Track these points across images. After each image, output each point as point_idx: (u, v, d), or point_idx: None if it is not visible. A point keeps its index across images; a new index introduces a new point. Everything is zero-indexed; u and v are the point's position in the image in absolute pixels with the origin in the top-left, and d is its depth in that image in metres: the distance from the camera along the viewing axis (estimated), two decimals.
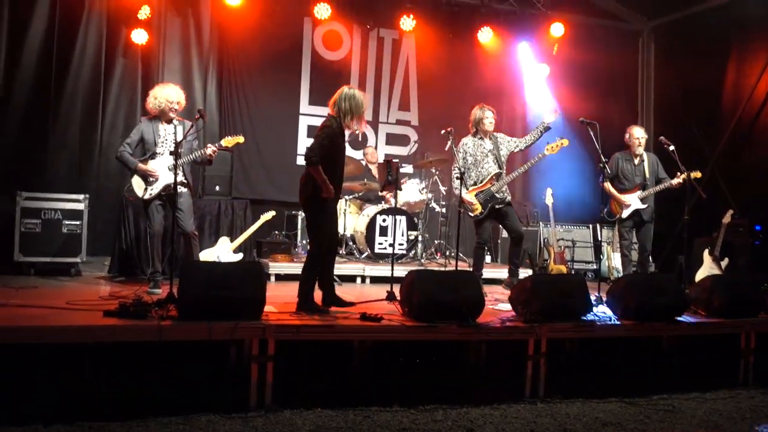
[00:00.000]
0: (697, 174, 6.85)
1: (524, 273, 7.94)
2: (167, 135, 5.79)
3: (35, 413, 3.65)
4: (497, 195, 6.56)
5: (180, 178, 5.65)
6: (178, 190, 5.61)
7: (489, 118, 6.64)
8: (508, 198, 6.67)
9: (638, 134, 7.24)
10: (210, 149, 5.72)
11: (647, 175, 7.19)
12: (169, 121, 5.81)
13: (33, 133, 7.97)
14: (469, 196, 6.50)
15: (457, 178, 6.35)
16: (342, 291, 6.59)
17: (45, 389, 3.79)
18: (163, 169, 5.74)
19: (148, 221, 5.82)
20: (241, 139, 5.95)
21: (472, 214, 6.58)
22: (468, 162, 6.63)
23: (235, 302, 4.16)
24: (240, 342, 4.16)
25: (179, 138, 5.65)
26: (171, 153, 5.39)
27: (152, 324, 3.94)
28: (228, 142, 5.89)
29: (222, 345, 4.19)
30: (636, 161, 7.25)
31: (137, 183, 5.78)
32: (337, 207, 8.21)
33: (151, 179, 5.72)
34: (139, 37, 8.36)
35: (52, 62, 8.08)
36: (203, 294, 4.12)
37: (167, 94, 5.74)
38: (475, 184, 6.60)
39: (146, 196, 5.73)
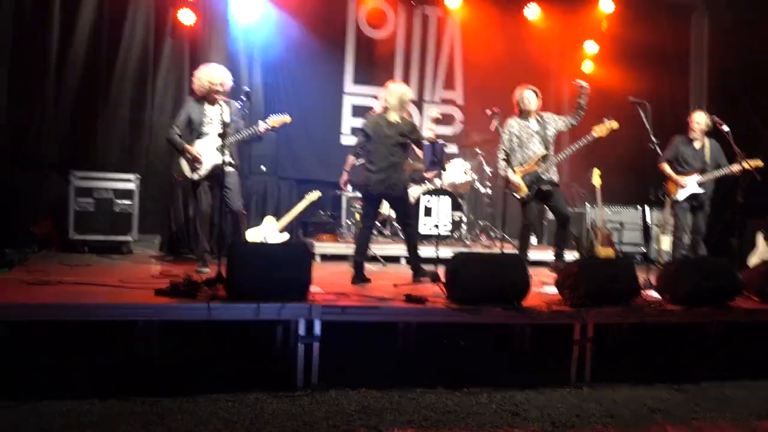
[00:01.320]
0: (758, 163, 6.65)
1: (571, 256, 7.87)
2: (213, 116, 5.82)
3: (91, 388, 3.78)
4: (543, 177, 6.47)
5: (227, 158, 5.67)
6: (226, 170, 5.65)
7: (528, 98, 6.53)
8: (555, 179, 6.56)
9: (697, 119, 7.07)
10: (263, 126, 5.77)
11: (707, 161, 7.03)
12: (214, 101, 5.84)
13: (85, 114, 8.13)
14: (515, 177, 6.43)
15: (503, 159, 6.28)
16: (386, 271, 6.68)
17: (100, 365, 3.92)
18: (210, 150, 5.79)
19: (196, 201, 5.89)
20: (287, 118, 5.96)
21: (517, 196, 6.51)
22: (514, 143, 6.54)
23: (281, 283, 4.20)
24: (287, 322, 4.21)
25: (226, 118, 5.65)
26: (219, 135, 5.44)
27: (202, 303, 4.01)
28: (275, 121, 5.91)
29: (269, 324, 4.25)
30: (697, 146, 7.09)
31: (185, 164, 5.85)
32: None
33: (196, 163, 5.78)
34: (186, 17, 8.44)
35: (102, 44, 8.21)
36: (251, 275, 4.18)
37: (210, 75, 5.77)
38: (521, 165, 6.52)
39: (195, 177, 5.80)
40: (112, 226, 6.82)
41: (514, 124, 6.59)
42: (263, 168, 7.55)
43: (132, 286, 4.52)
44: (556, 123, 6.61)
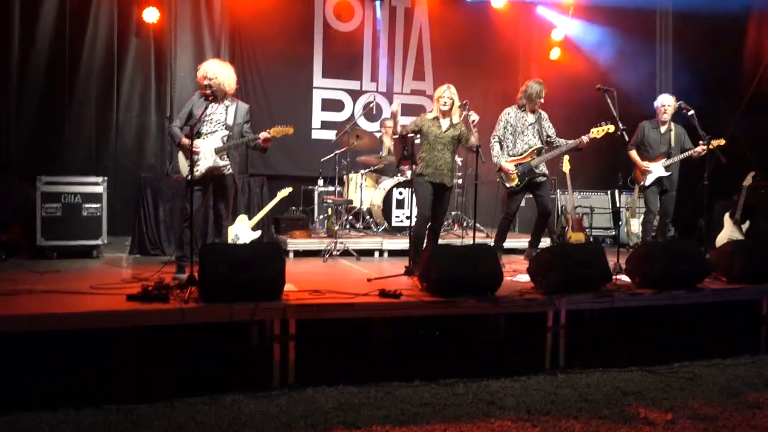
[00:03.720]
0: (721, 141, 6.77)
1: (542, 242, 7.95)
2: (214, 114, 5.50)
3: (65, 397, 3.75)
4: (536, 169, 6.52)
5: (225, 161, 5.51)
6: (224, 173, 5.52)
7: (542, 96, 6.55)
8: (545, 172, 6.62)
9: (664, 101, 7.15)
10: (263, 135, 5.47)
11: (672, 144, 7.13)
12: (220, 100, 5.51)
13: (50, 116, 8.03)
14: (509, 165, 6.46)
15: (497, 145, 6.36)
16: (360, 265, 6.70)
17: (74, 373, 3.87)
18: (208, 151, 5.47)
19: (187, 203, 5.41)
20: (290, 130, 5.59)
21: (508, 185, 6.53)
22: (508, 131, 6.58)
23: (255, 283, 4.20)
24: (262, 322, 4.21)
25: (229, 120, 5.48)
26: (222, 137, 5.34)
27: (174, 307, 3.99)
28: (277, 131, 5.54)
29: (244, 325, 4.24)
30: (662, 129, 7.19)
31: (183, 162, 5.53)
32: (355, 181, 8.30)
33: (195, 157, 5.38)
34: (151, 15, 8.34)
35: (65, 43, 8.10)
36: (224, 276, 4.16)
37: (206, 67, 5.48)
38: (514, 155, 6.56)
39: (190, 177, 5.34)
40: (81, 230, 6.73)
41: (511, 113, 6.62)
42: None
43: (103, 292, 4.48)
44: (546, 128, 6.66)
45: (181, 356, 4.07)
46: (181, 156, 5.56)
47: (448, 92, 5.99)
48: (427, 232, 6.08)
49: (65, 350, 3.87)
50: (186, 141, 5.32)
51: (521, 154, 6.54)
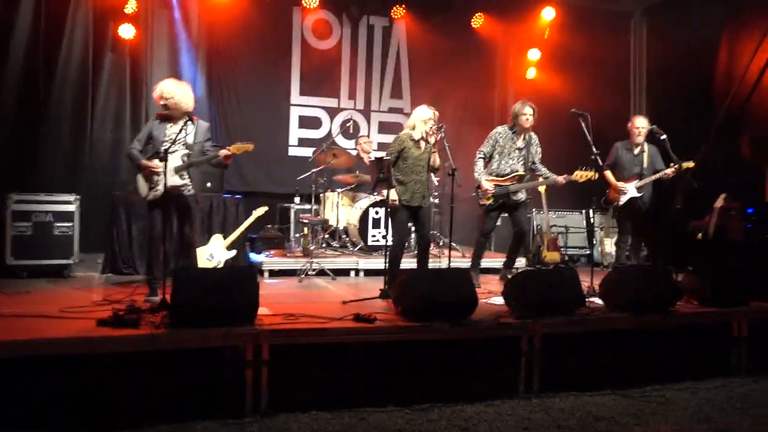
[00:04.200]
0: (690, 164, 6.88)
1: (518, 261, 8.00)
2: (172, 134, 5.46)
3: (31, 425, 3.67)
4: (512, 196, 6.58)
5: (185, 180, 5.47)
6: (184, 193, 5.48)
7: (527, 115, 6.56)
8: (522, 197, 6.69)
9: (639, 124, 7.26)
10: (223, 152, 5.47)
11: (645, 165, 7.24)
12: (178, 120, 5.48)
13: (23, 131, 7.91)
14: (487, 184, 6.51)
15: (481, 161, 6.39)
16: (336, 286, 6.68)
17: (40, 399, 3.80)
18: (168, 170, 5.39)
19: (149, 224, 5.55)
20: (250, 146, 5.61)
21: (482, 202, 6.59)
22: (495, 150, 6.62)
23: (228, 308, 4.16)
24: (235, 347, 4.17)
25: (189, 140, 5.45)
26: (181, 156, 5.30)
27: (146, 333, 3.94)
28: (237, 148, 5.55)
29: (217, 350, 4.19)
30: (636, 151, 7.30)
31: (142, 182, 5.53)
32: (331, 199, 8.30)
33: (154, 178, 5.41)
34: (127, 31, 8.31)
35: (39, 58, 8.01)
36: (196, 301, 4.12)
37: (163, 87, 5.46)
38: (496, 175, 6.61)
39: (150, 197, 5.47)
40: (52, 249, 6.63)
41: (502, 132, 6.66)
42: (209, 185, 7.45)
43: (73, 316, 4.40)
44: (533, 154, 6.71)
45: (152, 382, 4.01)
46: (140, 177, 5.54)
47: (434, 115, 6.03)
48: (404, 253, 6.11)
49: (31, 376, 3.79)
50: (145, 162, 5.40)
51: (503, 176, 6.59)
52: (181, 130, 5.44)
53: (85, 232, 7.22)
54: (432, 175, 6.43)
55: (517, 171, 6.59)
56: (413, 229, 6.25)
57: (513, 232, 6.80)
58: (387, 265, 5.87)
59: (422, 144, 6.03)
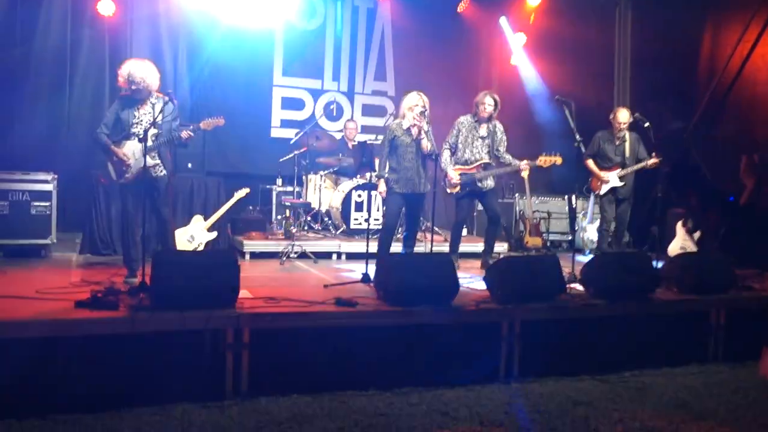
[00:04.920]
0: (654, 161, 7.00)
1: (500, 246, 8.06)
2: (142, 115, 5.42)
3: (8, 409, 3.64)
4: (478, 183, 6.63)
5: (156, 161, 5.42)
6: (155, 174, 5.42)
7: (486, 105, 6.64)
8: (490, 184, 6.75)
9: (621, 118, 7.32)
10: (185, 133, 5.44)
11: (627, 154, 7.31)
12: (144, 101, 5.43)
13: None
14: (453, 173, 6.58)
15: (447, 151, 6.40)
16: (317, 269, 6.67)
17: (17, 382, 3.76)
18: (138, 152, 5.37)
19: (123, 207, 5.53)
20: (221, 121, 5.66)
21: (449, 190, 6.67)
22: (458, 140, 6.68)
23: (208, 291, 4.15)
24: (215, 330, 4.16)
25: (158, 119, 5.36)
26: (151, 137, 5.23)
27: (124, 315, 3.92)
28: (207, 124, 5.57)
29: (197, 332, 4.17)
30: (617, 141, 7.36)
31: (111, 166, 5.47)
32: (314, 182, 8.26)
33: (124, 164, 5.38)
34: (106, 8, 8.15)
35: (16, 35, 7.86)
36: (176, 283, 4.10)
37: (130, 70, 5.35)
38: (462, 164, 6.68)
39: (121, 180, 5.43)
40: (29, 229, 6.53)
41: (464, 122, 6.73)
42: (189, 165, 7.38)
43: (50, 298, 4.35)
44: (497, 142, 6.73)
45: (131, 364, 3.99)
46: (109, 162, 5.47)
47: (421, 101, 6.00)
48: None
49: (8, 358, 3.75)
50: (114, 149, 5.35)
51: (468, 164, 6.68)
52: (148, 111, 5.41)
53: (63, 212, 7.13)
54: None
55: (481, 159, 6.68)
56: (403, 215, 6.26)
57: (487, 219, 6.94)
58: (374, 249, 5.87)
59: (413, 131, 6.02)
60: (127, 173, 5.40)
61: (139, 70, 5.36)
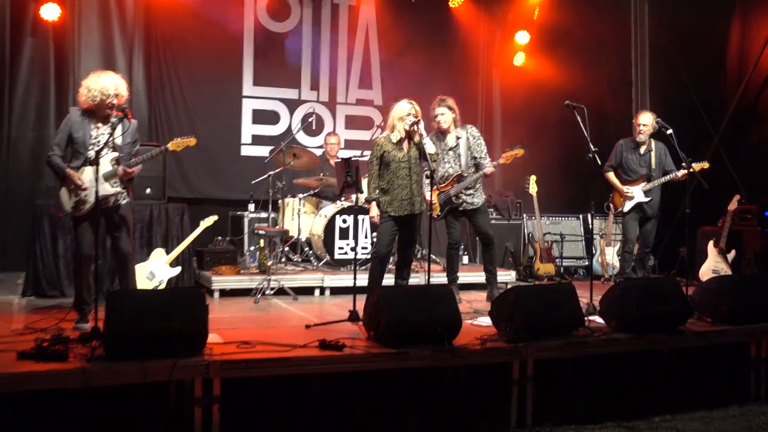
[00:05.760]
0: (704, 165, 7.01)
1: (506, 275, 8.08)
2: (101, 135, 5.37)
3: None
4: (454, 200, 6.78)
5: (117, 188, 5.41)
6: (117, 203, 5.43)
7: (438, 116, 6.80)
8: (472, 201, 6.85)
9: (641, 120, 7.39)
10: (156, 151, 5.50)
11: (653, 166, 7.35)
12: (105, 118, 5.40)
13: None
14: (429, 195, 6.64)
15: (426, 176, 6.42)
16: (298, 307, 6.66)
17: None
18: (96, 178, 5.25)
19: (76, 242, 5.44)
20: (192, 141, 5.68)
21: (433, 214, 6.75)
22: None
23: (172, 336, 4.12)
24: (181, 381, 4.13)
25: (118, 140, 5.36)
26: (111, 160, 5.26)
27: (75, 367, 3.88)
28: (176, 144, 5.58)
29: (161, 385, 4.15)
30: (642, 150, 7.41)
31: (65, 195, 5.40)
32: (291, 206, 8.27)
33: (80, 191, 5.30)
34: (50, 12, 8.19)
35: None
36: (134, 328, 4.07)
37: (104, 85, 5.31)
38: (441, 183, 6.83)
39: (76, 212, 5.36)
40: None
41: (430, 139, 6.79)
42: (148, 191, 7.36)
43: None
44: (474, 143, 6.85)
45: (83, 424, 3.95)
46: (63, 190, 5.41)
47: (413, 110, 6.04)
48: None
49: None
50: (71, 172, 5.29)
51: (444, 182, 6.85)
52: (107, 131, 5.37)
53: (2, 248, 7.11)
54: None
55: (455, 172, 6.83)
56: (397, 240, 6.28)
57: (480, 242, 7.06)
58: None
59: (405, 145, 6.05)
60: (83, 203, 5.33)
61: (98, 82, 5.34)
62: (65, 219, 6.94)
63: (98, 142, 5.36)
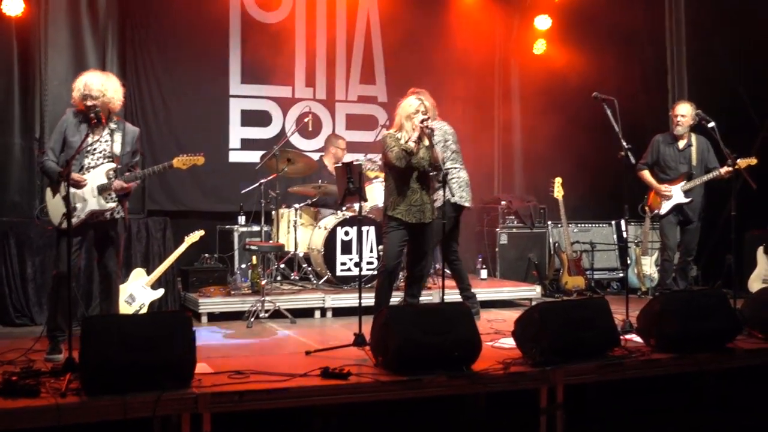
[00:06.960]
0: (751, 161, 6.99)
1: (530, 290, 8.09)
2: (96, 143, 5.44)
3: None
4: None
5: (112, 203, 5.46)
6: (110, 217, 5.48)
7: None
8: (461, 200, 6.97)
9: (679, 111, 7.40)
10: (160, 167, 5.65)
11: (694, 163, 7.35)
12: (96, 122, 5.39)
13: None
14: None
15: (438, 181, 6.43)
16: (296, 331, 6.67)
17: None
18: (89, 191, 5.37)
19: (58, 258, 5.45)
20: (201, 159, 5.76)
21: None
22: None
23: (155, 366, 4.14)
24: (167, 416, 4.15)
25: (116, 149, 5.42)
26: (107, 172, 5.30)
27: (48, 404, 3.90)
28: (182, 162, 5.67)
29: (144, 421, 4.17)
30: (680, 145, 7.40)
31: (55, 206, 5.40)
32: (287, 218, 8.28)
33: (77, 203, 5.33)
34: (13, 6, 8.22)
35: None
36: (113, 358, 4.10)
37: (87, 84, 5.36)
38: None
39: (65, 225, 5.15)
40: None
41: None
42: (126, 204, 7.39)
43: None
44: (448, 143, 6.98)
45: None
46: (54, 200, 5.45)
47: (422, 106, 6.05)
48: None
49: None
50: (77, 176, 5.31)
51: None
52: (105, 138, 5.44)
53: None
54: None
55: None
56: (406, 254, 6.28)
57: None
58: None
59: (423, 140, 6.05)
60: (76, 217, 5.34)
61: (99, 82, 5.40)
62: (35, 237, 7.01)
63: (93, 149, 5.43)
